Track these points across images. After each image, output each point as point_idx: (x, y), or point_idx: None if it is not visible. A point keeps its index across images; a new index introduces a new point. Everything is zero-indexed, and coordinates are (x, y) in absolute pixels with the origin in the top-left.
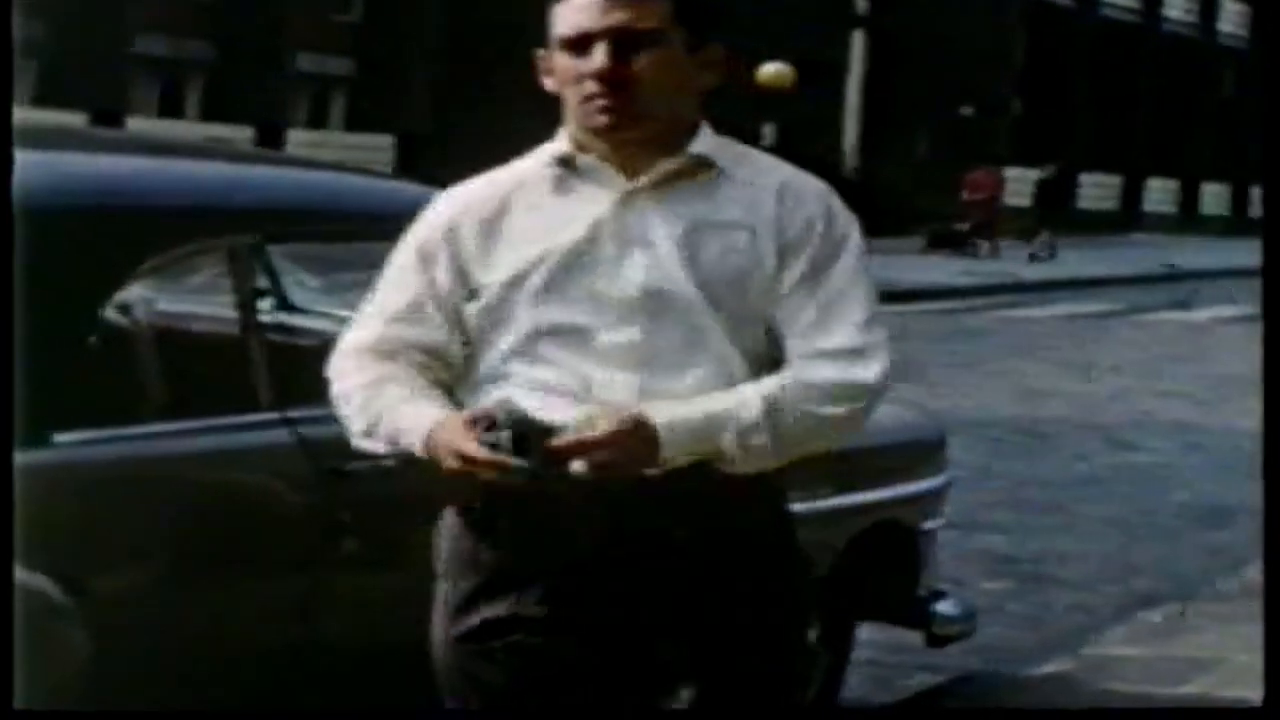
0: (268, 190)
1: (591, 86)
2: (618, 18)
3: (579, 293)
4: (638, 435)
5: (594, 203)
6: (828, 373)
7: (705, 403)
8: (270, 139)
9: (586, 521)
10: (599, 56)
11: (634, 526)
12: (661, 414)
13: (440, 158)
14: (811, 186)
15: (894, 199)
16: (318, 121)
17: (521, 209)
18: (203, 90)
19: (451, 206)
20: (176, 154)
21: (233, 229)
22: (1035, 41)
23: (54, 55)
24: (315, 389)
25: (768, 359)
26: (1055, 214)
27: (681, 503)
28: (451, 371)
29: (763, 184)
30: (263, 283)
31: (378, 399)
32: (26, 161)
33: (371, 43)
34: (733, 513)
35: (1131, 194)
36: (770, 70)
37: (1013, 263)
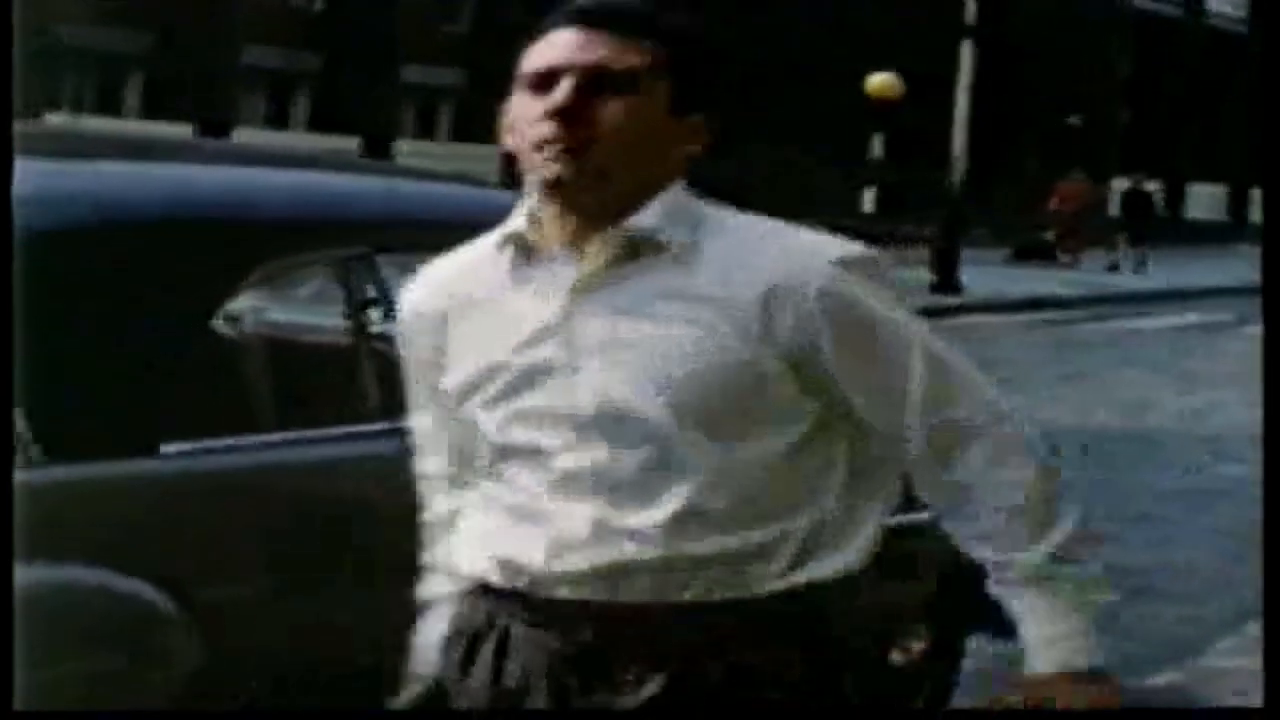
0: (376, 201)
1: (547, 128)
2: (592, 54)
3: (534, 410)
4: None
5: (543, 299)
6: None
7: (1037, 590)
8: (378, 149)
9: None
10: (560, 92)
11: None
12: (1059, 648)
13: None
14: (820, 255)
15: (1001, 209)
16: (425, 132)
17: (473, 307)
18: (310, 101)
19: (415, 295)
20: (285, 165)
21: (341, 240)
22: (1143, 52)
23: (162, 67)
24: None
25: (791, 483)
26: (1154, 225)
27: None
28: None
29: (742, 262)
30: (371, 293)
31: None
32: (137, 173)
33: (479, 53)
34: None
35: (1238, 204)
36: (878, 80)
37: (1106, 274)
